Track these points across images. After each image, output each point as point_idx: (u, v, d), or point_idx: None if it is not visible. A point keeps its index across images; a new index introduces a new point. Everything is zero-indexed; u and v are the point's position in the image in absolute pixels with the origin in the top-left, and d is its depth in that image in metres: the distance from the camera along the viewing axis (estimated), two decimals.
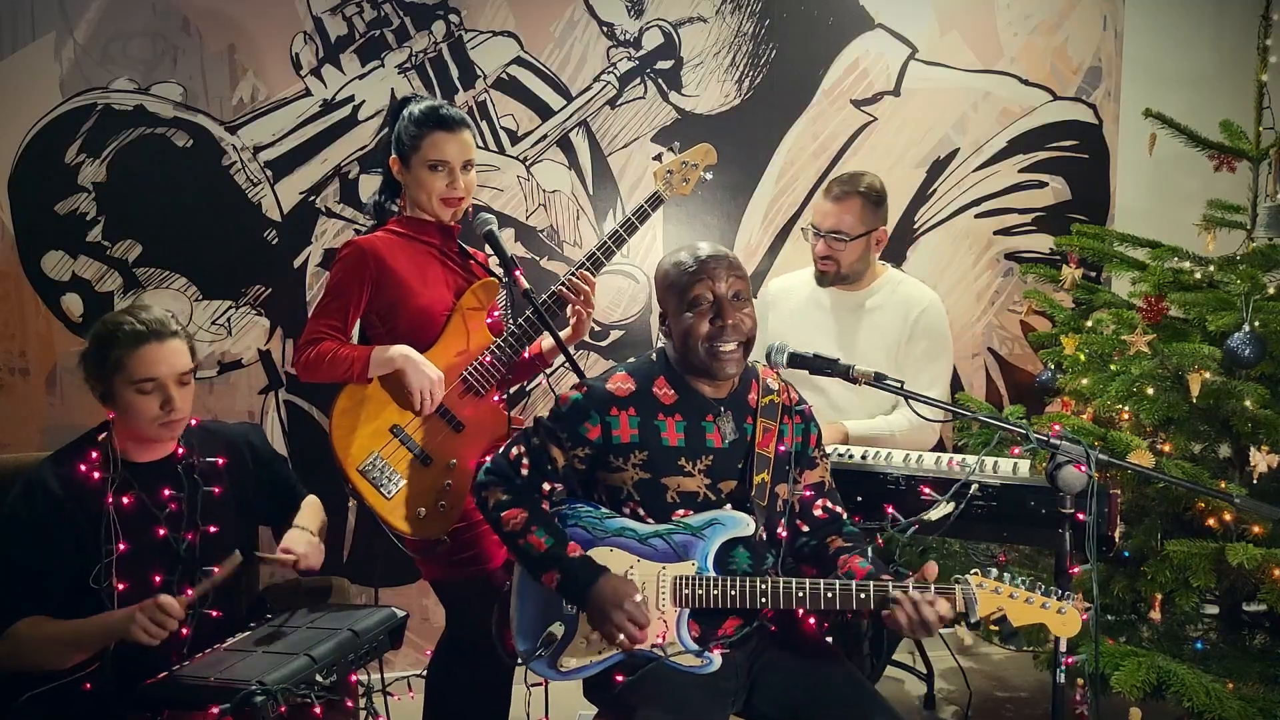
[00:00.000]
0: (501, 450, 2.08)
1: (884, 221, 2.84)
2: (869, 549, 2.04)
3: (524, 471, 2.02)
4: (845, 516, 2.13)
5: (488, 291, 2.42)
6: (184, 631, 1.95)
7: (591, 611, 1.91)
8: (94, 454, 1.99)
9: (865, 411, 2.80)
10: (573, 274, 2.42)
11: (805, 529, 2.11)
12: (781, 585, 1.90)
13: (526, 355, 2.53)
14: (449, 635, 2.47)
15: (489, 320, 2.43)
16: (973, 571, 1.86)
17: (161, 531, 2.00)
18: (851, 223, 2.75)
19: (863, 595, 1.86)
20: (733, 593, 1.92)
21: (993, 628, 1.86)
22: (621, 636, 1.88)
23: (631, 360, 2.12)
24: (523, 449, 2.04)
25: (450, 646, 2.45)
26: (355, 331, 2.40)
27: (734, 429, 2.02)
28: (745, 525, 1.97)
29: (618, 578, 1.92)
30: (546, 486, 2.03)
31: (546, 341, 2.50)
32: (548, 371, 2.70)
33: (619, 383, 2.03)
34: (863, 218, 2.75)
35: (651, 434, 1.99)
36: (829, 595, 1.88)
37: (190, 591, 1.92)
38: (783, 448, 2.05)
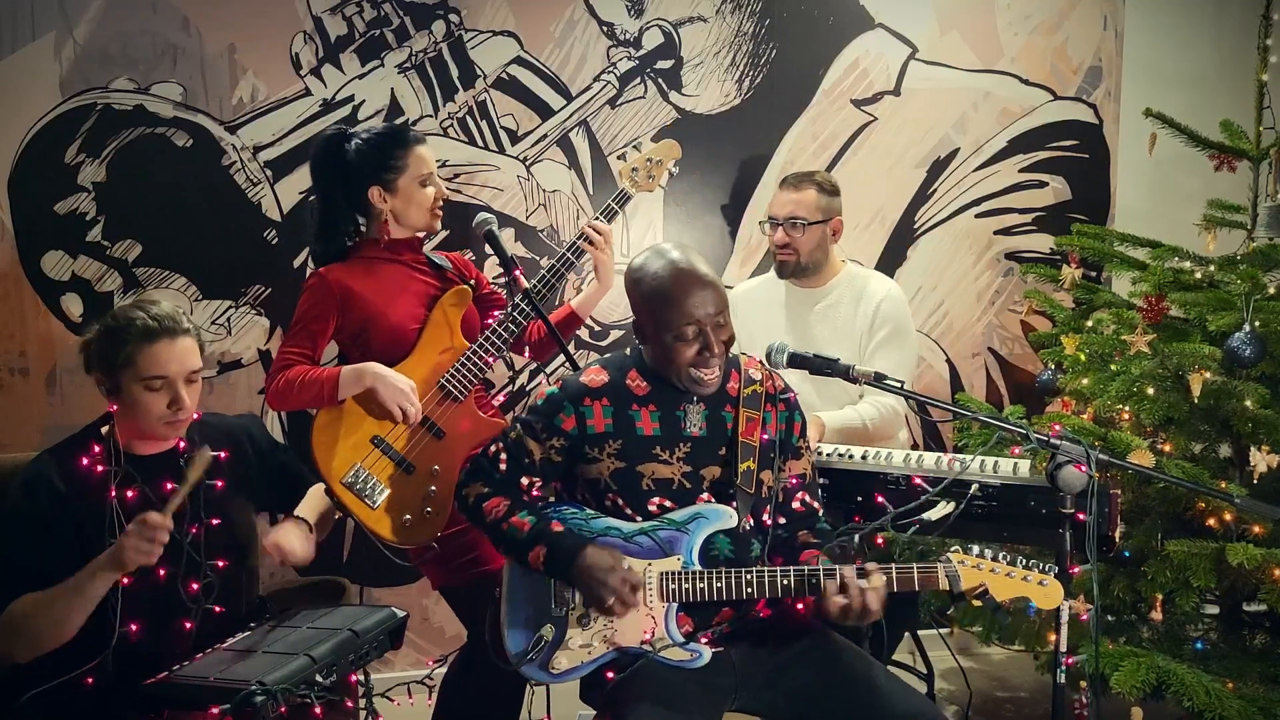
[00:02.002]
0: (481, 450, 2.12)
1: (839, 212, 2.91)
2: (837, 549, 2.05)
3: (502, 467, 2.06)
4: (820, 513, 2.15)
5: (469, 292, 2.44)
6: (188, 625, 1.97)
7: (582, 583, 1.90)
8: (96, 447, 1.98)
9: (832, 401, 2.82)
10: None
11: (781, 520, 2.12)
12: (766, 574, 1.92)
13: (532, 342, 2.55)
14: (470, 643, 2.44)
15: (488, 323, 2.43)
16: (954, 549, 1.88)
17: None
18: (808, 208, 2.84)
19: (814, 581, 1.89)
20: (718, 584, 1.93)
21: (976, 603, 1.86)
22: (612, 600, 1.87)
23: (606, 355, 2.16)
24: (500, 445, 2.08)
25: (468, 652, 2.43)
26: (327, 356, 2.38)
27: (703, 421, 2.04)
28: (728, 518, 1.98)
29: (603, 546, 1.93)
30: (525, 481, 2.06)
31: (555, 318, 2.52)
32: (548, 372, 2.70)
33: (592, 375, 2.07)
34: (819, 204, 2.85)
35: (626, 424, 2.02)
36: (813, 581, 1.90)
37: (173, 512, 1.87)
38: (766, 436, 2.07)
